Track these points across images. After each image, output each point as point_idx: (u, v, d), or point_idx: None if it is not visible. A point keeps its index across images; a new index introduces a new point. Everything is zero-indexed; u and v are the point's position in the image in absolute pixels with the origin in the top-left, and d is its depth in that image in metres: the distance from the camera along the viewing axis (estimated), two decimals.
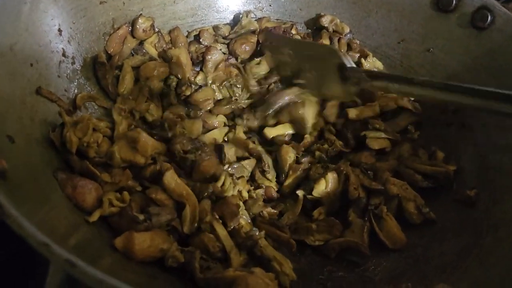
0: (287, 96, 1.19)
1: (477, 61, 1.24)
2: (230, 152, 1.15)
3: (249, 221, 1.02)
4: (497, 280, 0.82)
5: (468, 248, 0.94)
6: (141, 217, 0.86)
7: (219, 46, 1.39)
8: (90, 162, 0.98)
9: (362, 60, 1.38)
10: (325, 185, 1.09)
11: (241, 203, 1.03)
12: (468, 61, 1.26)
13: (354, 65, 1.09)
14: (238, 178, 1.10)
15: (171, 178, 0.96)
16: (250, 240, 0.92)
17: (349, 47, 1.42)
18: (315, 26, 1.47)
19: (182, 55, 1.24)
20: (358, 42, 1.42)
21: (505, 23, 1.19)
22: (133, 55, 1.27)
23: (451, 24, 1.29)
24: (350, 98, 1.18)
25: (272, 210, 1.08)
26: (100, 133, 1.03)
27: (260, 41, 1.39)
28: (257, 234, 0.94)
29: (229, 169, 1.11)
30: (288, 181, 1.15)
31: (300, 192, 1.10)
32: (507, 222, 0.94)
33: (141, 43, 1.29)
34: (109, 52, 1.22)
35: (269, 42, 1.31)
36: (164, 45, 1.31)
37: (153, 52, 1.28)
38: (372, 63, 1.39)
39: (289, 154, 1.17)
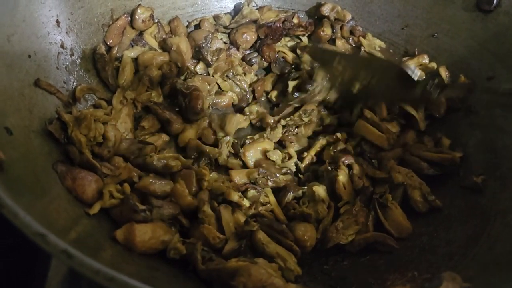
0: None
1: (484, 46, 1.21)
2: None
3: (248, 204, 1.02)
4: (505, 267, 0.80)
5: (476, 235, 0.92)
6: (141, 207, 0.85)
7: (220, 36, 1.37)
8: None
9: (361, 39, 1.36)
10: (343, 183, 1.07)
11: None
12: (474, 45, 1.23)
13: (419, 75, 1.07)
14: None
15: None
16: (247, 226, 0.91)
17: (352, 34, 1.39)
18: (316, 16, 1.45)
19: (182, 43, 1.23)
20: (360, 29, 1.40)
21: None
22: (132, 46, 1.25)
23: (456, 7, 1.26)
24: (418, 104, 1.17)
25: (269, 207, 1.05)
26: (100, 122, 1.03)
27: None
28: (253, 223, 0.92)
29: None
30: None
31: (317, 188, 1.06)
32: None
33: (140, 34, 1.27)
34: (108, 43, 1.20)
35: (319, 57, 1.26)
36: (164, 36, 1.29)
37: (153, 43, 1.27)
38: (372, 41, 1.37)
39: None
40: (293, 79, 1.29)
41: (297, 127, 1.22)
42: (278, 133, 1.20)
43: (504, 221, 0.91)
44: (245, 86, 1.32)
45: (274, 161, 1.15)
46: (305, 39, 1.42)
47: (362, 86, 1.10)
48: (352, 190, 1.09)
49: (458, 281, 0.75)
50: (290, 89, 1.29)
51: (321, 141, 1.19)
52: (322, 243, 0.99)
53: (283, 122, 1.22)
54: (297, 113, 1.23)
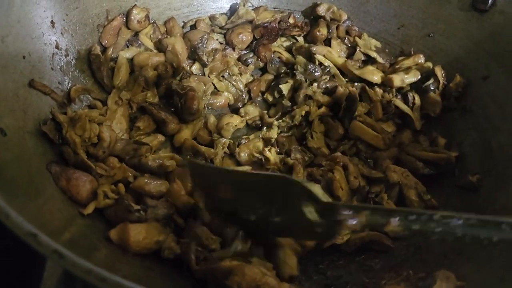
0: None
1: (479, 45, 1.21)
2: None
3: None
4: (499, 265, 0.80)
5: None
6: (136, 207, 0.85)
7: (215, 36, 1.37)
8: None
9: (357, 39, 1.36)
10: (339, 184, 1.06)
11: None
12: (469, 45, 1.23)
13: (327, 199, 0.74)
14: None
15: None
16: None
17: (348, 34, 1.39)
18: (312, 16, 1.45)
19: (178, 44, 1.23)
20: (356, 29, 1.40)
21: (507, 4, 1.16)
22: (128, 47, 1.25)
23: (451, 7, 1.26)
24: (331, 238, 0.90)
25: None
26: (95, 123, 1.03)
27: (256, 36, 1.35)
28: None
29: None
30: None
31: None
32: (509, 207, 0.92)
33: (136, 34, 1.27)
34: (103, 44, 1.20)
35: (197, 179, 0.91)
36: (160, 36, 1.29)
37: (148, 44, 1.27)
38: (368, 41, 1.37)
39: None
40: (284, 83, 1.30)
41: (290, 128, 1.23)
42: (274, 133, 1.20)
43: None
44: (241, 86, 1.33)
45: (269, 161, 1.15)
46: (301, 39, 1.42)
47: (259, 217, 0.81)
48: (349, 190, 1.09)
49: (452, 280, 0.75)
50: (285, 92, 1.29)
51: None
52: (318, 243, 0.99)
53: (276, 123, 1.22)
54: (288, 115, 1.24)
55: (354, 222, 0.70)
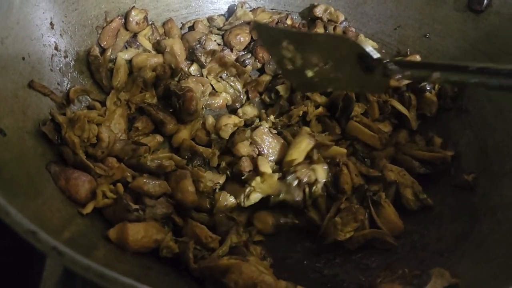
0: None
1: (475, 46, 1.22)
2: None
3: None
4: (494, 263, 0.81)
5: (466, 232, 0.93)
6: (134, 206, 0.86)
7: (213, 37, 1.38)
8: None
9: None
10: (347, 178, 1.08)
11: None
12: (465, 45, 1.24)
13: (378, 55, 0.84)
14: None
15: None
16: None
17: (345, 34, 1.40)
18: (309, 17, 1.46)
19: (176, 45, 1.24)
20: (353, 29, 1.41)
21: (502, 5, 1.17)
22: (126, 48, 1.26)
23: (447, 8, 1.27)
24: (380, 90, 1.09)
25: None
26: (94, 123, 1.04)
27: (254, 37, 1.37)
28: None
29: None
30: None
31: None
32: (504, 206, 0.93)
33: (134, 35, 1.28)
34: (102, 45, 1.21)
35: (265, 37, 1.04)
36: (158, 38, 1.30)
37: (147, 45, 1.28)
38: (364, 42, 1.37)
39: None
40: (281, 84, 1.31)
41: (287, 127, 1.24)
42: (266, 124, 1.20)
43: (493, 218, 0.92)
44: (238, 87, 1.33)
45: None
46: None
47: (317, 72, 0.96)
48: (351, 187, 1.09)
49: (446, 277, 0.76)
50: (282, 93, 1.30)
51: None
52: (320, 239, 1.00)
53: (272, 118, 1.23)
54: (285, 115, 1.25)
55: (400, 76, 0.80)
